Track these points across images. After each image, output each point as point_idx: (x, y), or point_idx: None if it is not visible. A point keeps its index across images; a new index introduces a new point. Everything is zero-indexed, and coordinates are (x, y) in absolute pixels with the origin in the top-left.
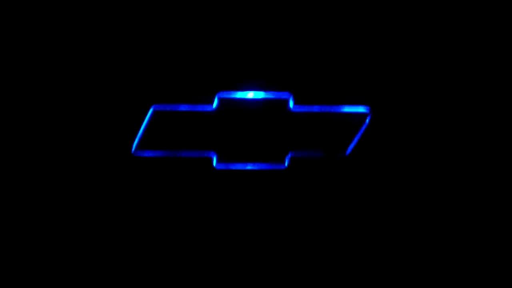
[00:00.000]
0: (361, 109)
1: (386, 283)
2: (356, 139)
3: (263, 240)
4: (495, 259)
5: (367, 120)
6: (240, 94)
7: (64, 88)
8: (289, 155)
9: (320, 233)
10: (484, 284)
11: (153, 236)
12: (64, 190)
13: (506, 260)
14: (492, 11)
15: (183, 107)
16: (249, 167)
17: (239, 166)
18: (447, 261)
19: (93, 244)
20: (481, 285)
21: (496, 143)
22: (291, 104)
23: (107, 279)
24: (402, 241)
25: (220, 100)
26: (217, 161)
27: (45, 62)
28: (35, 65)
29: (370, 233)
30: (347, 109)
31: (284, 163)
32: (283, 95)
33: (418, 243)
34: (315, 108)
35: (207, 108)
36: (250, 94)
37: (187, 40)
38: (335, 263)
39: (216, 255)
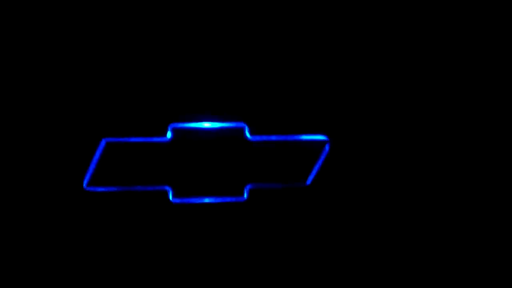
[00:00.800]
0: (319, 137)
1: None
2: (316, 168)
3: (223, 275)
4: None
5: (326, 148)
6: (194, 125)
7: (14, 122)
8: (248, 187)
9: (283, 267)
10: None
11: (107, 272)
12: (15, 228)
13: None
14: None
15: (136, 140)
16: (207, 200)
17: (196, 200)
18: None
19: (44, 282)
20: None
21: (462, 168)
22: (247, 133)
23: None
24: (367, 272)
25: (173, 131)
26: (173, 195)
27: None
28: None
29: (334, 264)
30: (305, 137)
31: (243, 195)
32: (237, 125)
33: (385, 274)
34: (272, 137)
35: (161, 139)
36: (204, 125)
37: (137, 72)
38: None
39: None
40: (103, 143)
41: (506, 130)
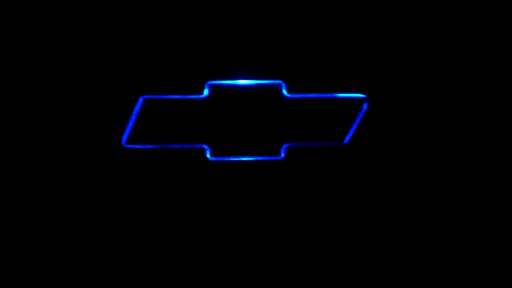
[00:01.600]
0: (357, 95)
1: (385, 275)
2: (354, 127)
3: (260, 234)
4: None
5: (364, 107)
6: (231, 83)
7: (52, 81)
8: (285, 145)
9: (319, 225)
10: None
11: (145, 230)
12: (54, 185)
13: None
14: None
15: (173, 97)
16: (244, 158)
17: (233, 158)
18: (452, 259)
19: (83, 237)
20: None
21: (493, 131)
22: (284, 91)
23: (96, 271)
24: (402, 233)
25: (211, 88)
26: (211, 153)
27: (33, 56)
28: (21, 58)
29: (369, 224)
30: (343, 95)
31: (280, 153)
32: (275, 83)
33: (418, 234)
34: (310, 95)
35: (198, 96)
36: (242, 83)
37: (175, 31)
38: (334, 255)
39: (210, 250)
40: (141, 100)
41: None
